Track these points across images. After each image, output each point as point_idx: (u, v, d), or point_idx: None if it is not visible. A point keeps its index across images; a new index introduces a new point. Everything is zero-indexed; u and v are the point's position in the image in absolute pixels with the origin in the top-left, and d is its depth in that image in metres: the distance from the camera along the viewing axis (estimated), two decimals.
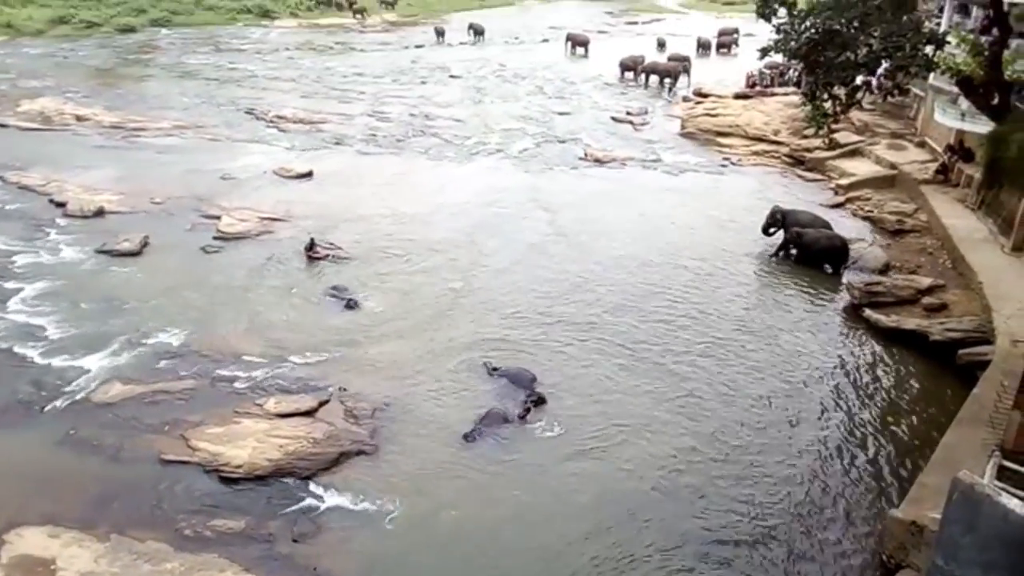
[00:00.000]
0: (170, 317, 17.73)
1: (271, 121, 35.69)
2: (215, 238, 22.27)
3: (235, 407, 14.51)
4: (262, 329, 17.51)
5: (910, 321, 17.77)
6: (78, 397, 14.80)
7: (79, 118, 34.84)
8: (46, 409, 14.46)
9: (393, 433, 13.99)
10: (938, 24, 28.95)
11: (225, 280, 19.88)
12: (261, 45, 56.84)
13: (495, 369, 15.75)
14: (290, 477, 12.83)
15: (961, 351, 16.13)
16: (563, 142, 33.49)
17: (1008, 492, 8.02)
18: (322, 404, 14.70)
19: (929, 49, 15.75)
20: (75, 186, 25.62)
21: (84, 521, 11.74)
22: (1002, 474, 9.56)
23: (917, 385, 16.15)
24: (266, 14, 68.17)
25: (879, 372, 16.63)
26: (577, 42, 55.36)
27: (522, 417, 14.28)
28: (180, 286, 19.33)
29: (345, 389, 15.18)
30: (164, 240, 22.02)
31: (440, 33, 60.71)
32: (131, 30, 59.64)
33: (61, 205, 24.10)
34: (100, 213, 23.70)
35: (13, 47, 52.13)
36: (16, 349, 16.38)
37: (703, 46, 55.47)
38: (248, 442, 13.42)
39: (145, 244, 21.56)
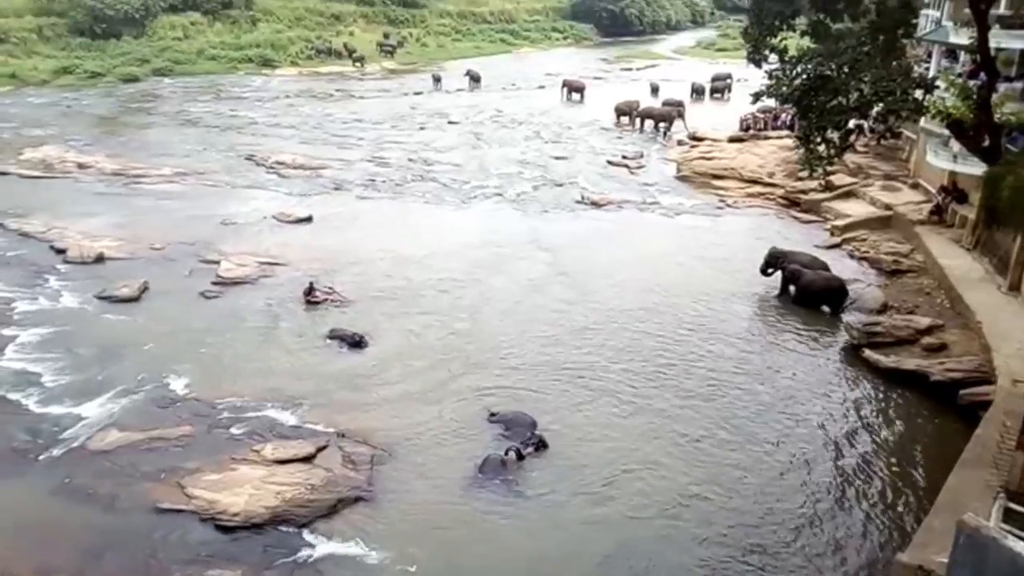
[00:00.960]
0: (168, 363, 17.67)
1: (271, 167, 36.05)
2: (214, 283, 22.31)
3: (232, 453, 14.38)
4: (260, 374, 17.45)
5: (910, 361, 17.74)
6: (74, 445, 14.68)
7: (81, 165, 35.18)
8: (41, 457, 14.32)
9: (392, 479, 13.85)
10: (927, 69, 29.51)
11: (223, 325, 19.87)
12: (262, 93, 57.72)
13: (493, 414, 15.66)
14: (287, 525, 12.66)
15: (962, 391, 16.08)
16: (560, 185, 33.82)
17: (1014, 535, 7.91)
18: (320, 450, 14.57)
19: (919, 93, 16.01)
20: (76, 232, 25.76)
21: (77, 572, 11.57)
22: (1008, 516, 9.44)
23: (919, 426, 16.06)
24: (267, 63, 69.33)
25: (880, 413, 16.55)
26: (573, 88, 56.26)
27: (521, 457, 14.15)
28: (178, 331, 19.31)
29: (343, 434, 15.07)
30: (163, 285, 22.07)
31: (437, 80, 61.71)
32: (134, 79, 60.58)
33: (61, 251, 24.21)
34: (100, 259, 23.79)
35: (18, 97, 52.90)
36: (12, 396, 16.30)
37: (697, 91, 56.41)
38: (245, 489, 13.27)
39: (144, 290, 21.60)
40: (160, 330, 19.34)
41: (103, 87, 57.83)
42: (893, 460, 14.89)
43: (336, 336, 19.06)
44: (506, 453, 14.04)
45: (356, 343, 18.73)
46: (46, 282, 22.17)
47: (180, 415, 15.71)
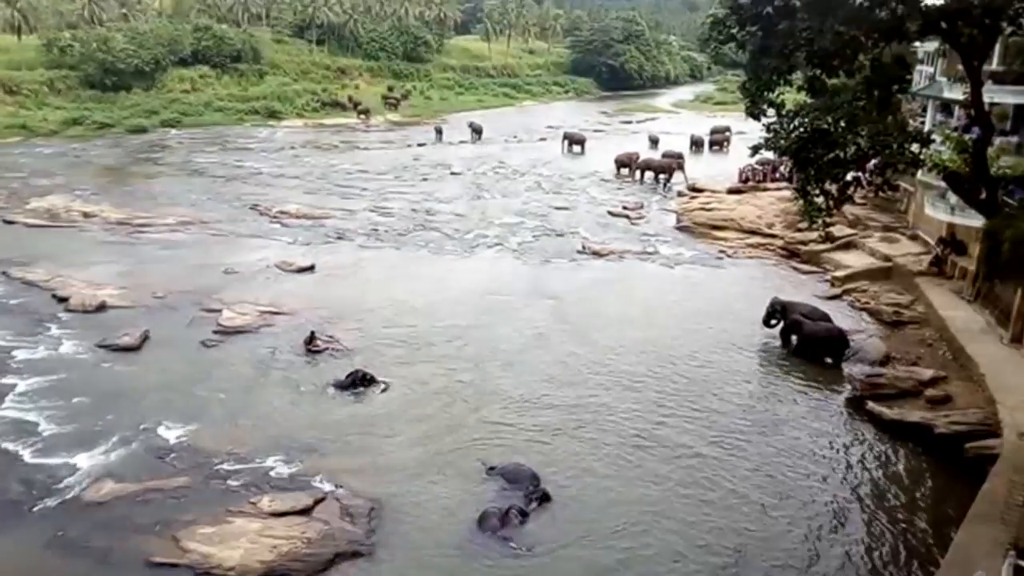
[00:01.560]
0: (166, 412, 17.55)
1: (275, 216, 36.38)
2: (215, 332, 22.30)
3: (228, 505, 14.18)
4: (259, 424, 17.31)
5: (914, 414, 17.59)
6: (68, 496, 14.48)
7: (86, 215, 35.52)
8: (35, 509, 14.11)
9: (390, 533, 13.61)
10: (922, 123, 29.97)
11: (223, 374, 19.79)
12: (267, 144, 58.62)
13: (492, 468, 15.42)
14: None
15: (968, 444, 15.89)
16: (561, 235, 34.06)
17: None
18: (318, 502, 14.36)
19: (915, 147, 16.21)
20: (78, 281, 25.85)
21: None
22: (1018, 574, 9.25)
23: (925, 480, 15.83)
24: (273, 115, 70.61)
25: (885, 467, 16.33)
26: (574, 140, 57.14)
27: (525, 515, 13.92)
28: (178, 381, 19.22)
29: (342, 486, 14.86)
30: (164, 334, 22.05)
31: (439, 132, 62.77)
32: (142, 130, 61.64)
33: (63, 300, 24.25)
34: (102, 308, 23.83)
35: (27, 147, 53.73)
36: (7, 446, 16.14)
37: (696, 144, 57.25)
38: (241, 543, 13.04)
39: (145, 338, 21.58)
40: (159, 379, 19.26)
41: (111, 138, 58.77)
42: (900, 515, 14.63)
43: (348, 379, 18.98)
44: (506, 514, 13.75)
45: (364, 373, 18.83)
46: (47, 330, 22.16)
47: (176, 466, 15.53)
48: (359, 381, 18.98)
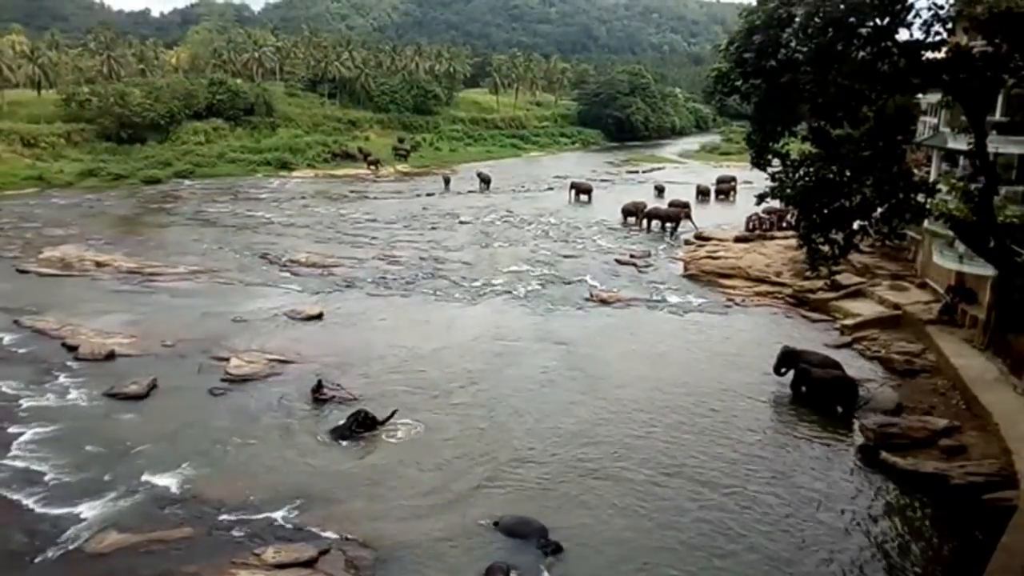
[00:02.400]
0: (172, 462, 17.44)
1: (284, 265, 36.66)
2: (223, 380, 22.29)
3: (232, 556, 13.99)
4: (265, 473, 17.16)
5: (928, 464, 17.31)
6: (71, 547, 14.34)
7: (98, 264, 35.88)
8: (37, 560, 13.97)
9: None
10: (927, 172, 30.15)
11: (230, 423, 19.71)
12: (278, 194, 59.40)
13: (497, 522, 15.14)
14: None
15: (986, 496, 15.59)
16: (569, 283, 34.13)
17: None
18: (323, 553, 14.17)
19: (921, 197, 16.31)
20: (88, 330, 25.98)
21: None
22: None
23: (941, 532, 15.48)
24: (284, 166, 71.73)
25: (900, 518, 15.99)
26: (581, 190, 57.71)
27: (551, 563, 13.79)
28: (184, 429, 19.15)
29: (347, 537, 14.66)
30: (172, 383, 22.05)
31: (447, 181, 63.62)
32: (156, 181, 62.64)
33: (73, 348, 24.34)
34: (111, 356, 23.89)
35: (43, 198, 54.59)
36: (12, 496, 16.04)
37: (703, 193, 57.70)
38: None
39: (153, 387, 21.57)
40: (166, 428, 19.19)
41: (125, 188, 59.69)
42: (917, 568, 14.29)
43: (343, 427, 18.85)
44: (509, 570, 13.57)
45: (368, 422, 18.72)
46: (55, 379, 22.19)
47: (181, 516, 15.38)
48: (360, 423, 18.83)
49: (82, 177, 61.27)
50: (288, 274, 35.32)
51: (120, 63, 78.88)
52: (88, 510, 15.50)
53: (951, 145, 27.20)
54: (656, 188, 59.20)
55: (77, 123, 68.31)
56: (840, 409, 20.76)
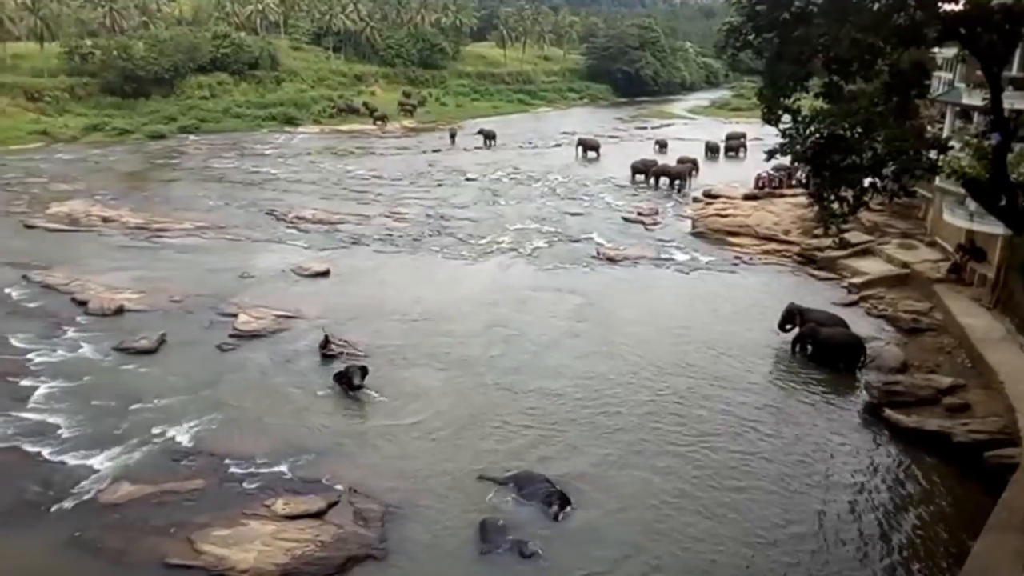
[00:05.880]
0: (182, 415, 17.69)
1: (291, 222, 36.62)
2: (231, 336, 22.45)
3: (243, 508, 14.26)
4: (274, 427, 17.40)
5: (932, 422, 17.40)
6: (85, 498, 14.63)
7: (105, 219, 35.93)
8: (52, 510, 14.27)
9: (403, 538, 13.63)
10: (941, 129, 29.68)
11: (239, 378, 19.92)
12: (284, 150, 59.04)
13: (505, 477, 15.29)
14: None
15: (987, 453, 15.70)
16: (576, 241, 34.02)
17: None
18: (331, 505, 14.43)
19: (933, 153, 16.05)
20: (97, 285, 26.13)
21: None
22: None
23: (943, 488, 15.63)
24: (290, 121, 71.17)
25: (903, 475, 16.15)
26: (588, 146, 57.17)
27: (556, 517, 14.07)
28: (194, 384, 19.37)
29: (355, 490, 14.91)
30: (181, 338, 22.23)
31: (452, 136, 63.09)
32: (161, 136, 62.32)
33: (83, 303, 24.52)
34: (120, 311, 24.06)
35: (47, 153, 54.45)
36: (27, 447, 16.33)
37: (712, 150, 57.09)
38: (255, 545, 13.12)
39: (162, 342, 21.76)
40: (176, 383, 19.41)
41: (130, 144, 59.44)
42: (918, 524, 14.47)
43: (341, 377, 19.03)
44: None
45: (360, 376, 18.84)
46: (65, 334, 22.39)
47: (192, 468, 15.66)
48: (354, 374, 18.92)
49: (87, 132, 61.02)
50: (295, 230, 35.31)
51: (122, 15, 77.75)
52: (101, 462, 15.78)
53: (966, 101, 26.75)
54: (658, 144, 58.79)
55: (81, 77, 67.75)
56: (842, 366, 20.82)
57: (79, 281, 26.50)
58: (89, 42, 70.22)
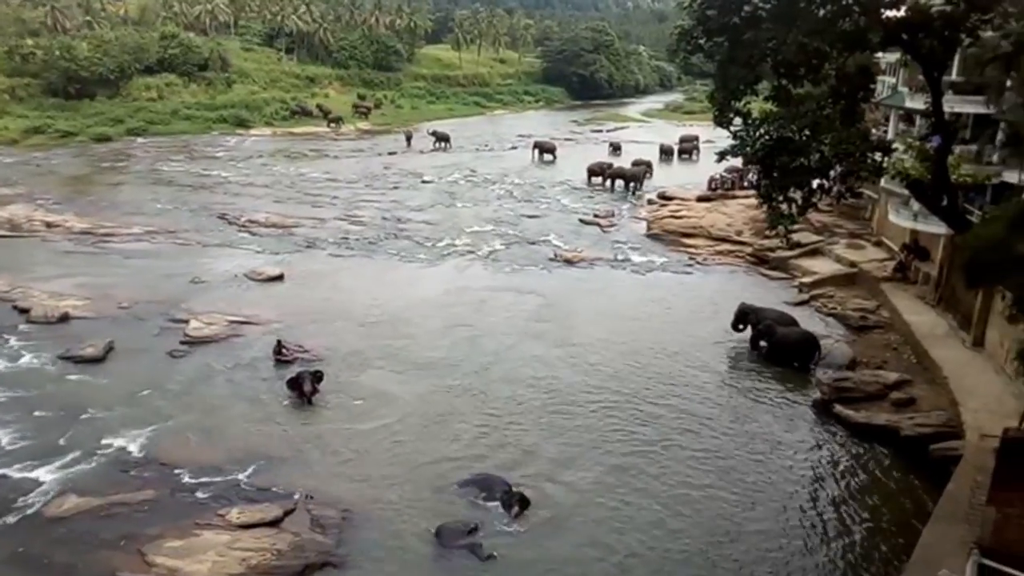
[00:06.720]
0: (131, 425, 17.21)
1: (243, 226, 35.97)
2: (182, 342, 21.96)
3: (196, 518, 13.95)
4: (227, 435, 17.05)
5: (880, 416, 17.88)
6: (29, 512, 14.15)
7: (49, 224, 34.81)
8: None
9: (361, 543, 13.48)
10: (885, 132, 30.56)
11: (190, 385, 19.47)
12: (236, 153, 58.00)
13: (463, 481, 15.25)
14: None
15: (932, 446, 16.19)
16: (533, 243, 34.12)
17: None
18: (287, 513, 14.19)
19: (878, 156, 16.52)
20: (40, 292, 25.29)
21: None
22: (982, 572, 9.42)
23: (890, 481, 16.07)
24: (241, 123, 69.92)
25: (853, 469, 16.55)
26: (544, 149, 57.39)
27: (518, 516, 14.06)
28: (143, 392, 18.87)
29: (312, 497, 14.69)
30: (130, 345, 21.65)
31: (408, 139, 62.75)
32: (107, 139, 60.64)
33: (24, 311, 23.71)
34: (65, 319, 23.33)
35: None
36: None
37: (666, 152, 57.85)
38: (209, 556, 12.83)
39: (110, 349, 21.16)
40: (124, 391, 18.89)
41: (75, 146, 57.72)
42: (866, 516, 14.84)
43: (294, 383, 18.72)
44: (466, 528, 13.78)
45: (313, 381, 18.55)
46: (6, 342, 21.63)
47: (142, 479, 15.25)
48: (305, 380, 18.60)
49: (28, 135, 59.02)
50: (247, 235, 34.70)
51: (65, 14, 75.41)
52: (45, 474, 15.27)
53: (908, 104, 27.56)
54: (612, 146, 59.46)
55: (22, 78, 65.51)
56: (796, 364, 21.27)
57: (21, 288, 25.62)
58: (30, 42, 67.96)
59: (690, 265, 31.42)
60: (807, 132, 15.87)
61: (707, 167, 43.81)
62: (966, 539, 10.88)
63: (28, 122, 60.66)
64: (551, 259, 31.74)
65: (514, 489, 14.68)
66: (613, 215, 39.43)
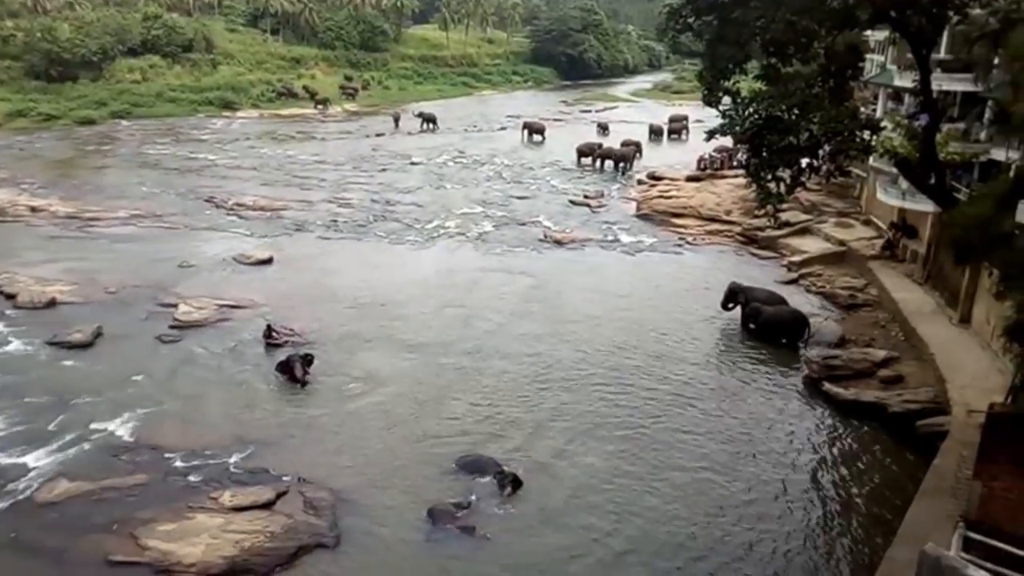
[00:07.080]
0: (121, 409, 17.15)
1: (231, 209, 35.72)
2: (171, 327, 21.85)
3: (188, 501, 13.95)
4: (218, 419, 17.03)
5: (868, 393, 18.06)
6: (20, 497, 14.11)
7: (33, 209, 34.44)
8: None
9: (354, 525, 13.54)
10: (874, 110, 30.56)
11: (180, 370, 19.42)
12: (222, 135, 57.46)
13: (457, 461, 15.32)
14: (246, 575, 12.27)
15: (919, 422, 16.37)
16: (523, 224, 34.06)
17: (975, 564, 8.02)
18: (280, 495, 14.22)
19: (866, 134, 16.54)
20: (26, 277, 25.06)
21: None
22: (968, 545, 9.57)
23: (879, 457, 16.27)
24: (227, 105, 69.17)
25: (842, 445, 16.74)
26: (533, 130, 57.16)
27: (510, 496, 14.18)
28: (133, 377, 18.80)
29: (304, 479, 14.73)
30: (118, 330, 21.53)
31: (396, 120, 62.25)
32: (91, 122, 59.88)
33: (11, 297, 23.51)
34: (52, 304, 23.16)
35: None
36: None
37: (655, 132, 57.72)
38: (202, 538, 12.86)
39: (98, 335, 21.04)
40: (114, 376, 18.81)
41: (58, 130, 57.01)
42: (855, 491, 15.03)
43: (284, 366, 18.72)
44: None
45: (302, 364, 18.56)
46: None
47: (134, 463, 15.23)
48: (295, 363, 18.65)
49: (10, 118, 58.18)
50: (235, 218, 34.46)
51: None
52: (36, 460, 15.23)
53: (897, 83, 27.56)
54: (599, 126, 59.27)
55: (2, 60, 64.43)
56: (785, 342, 21.41)
57: (7, 274, 25.37)
58: (10, 23, 66.83)
59: (680, 245, 31.48)
60: (796, 111, 15.86)
61: (696, 147, 43.84)
62: (953, 513, 11.05)
63: (10, 105, 59.76)
64: (541, 240, 31.71)
65: (506, 469, 14.76)
66: (603, 195, 39.39)
